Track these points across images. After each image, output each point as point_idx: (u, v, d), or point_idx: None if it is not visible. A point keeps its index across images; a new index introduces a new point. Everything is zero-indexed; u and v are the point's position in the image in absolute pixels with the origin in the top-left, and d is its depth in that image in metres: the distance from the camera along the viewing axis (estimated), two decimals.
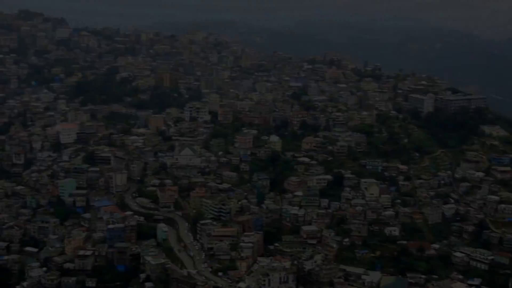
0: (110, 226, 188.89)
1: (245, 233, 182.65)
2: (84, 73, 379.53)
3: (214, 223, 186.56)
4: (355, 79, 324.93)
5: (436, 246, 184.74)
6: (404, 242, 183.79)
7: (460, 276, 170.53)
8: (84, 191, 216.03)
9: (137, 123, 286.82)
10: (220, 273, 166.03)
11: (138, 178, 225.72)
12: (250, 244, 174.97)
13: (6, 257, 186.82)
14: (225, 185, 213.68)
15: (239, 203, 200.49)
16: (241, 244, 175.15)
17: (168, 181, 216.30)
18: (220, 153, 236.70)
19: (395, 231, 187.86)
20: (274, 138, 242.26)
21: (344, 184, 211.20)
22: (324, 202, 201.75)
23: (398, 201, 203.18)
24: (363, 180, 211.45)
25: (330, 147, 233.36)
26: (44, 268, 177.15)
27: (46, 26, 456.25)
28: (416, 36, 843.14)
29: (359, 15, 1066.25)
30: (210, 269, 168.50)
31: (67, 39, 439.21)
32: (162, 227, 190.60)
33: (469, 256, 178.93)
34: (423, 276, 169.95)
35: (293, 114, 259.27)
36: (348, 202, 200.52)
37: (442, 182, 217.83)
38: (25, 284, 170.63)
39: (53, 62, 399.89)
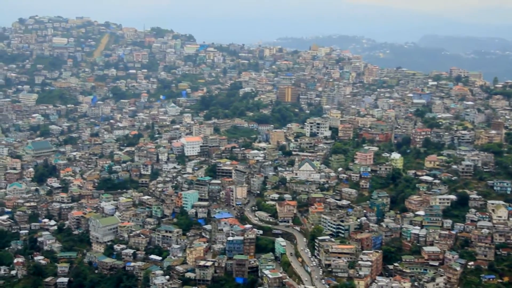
0: (230, 238, 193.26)
1: (364, 251, 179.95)
2: (209, 88, 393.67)
3: (333, 239, 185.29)
4: (483, 96, 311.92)
5: None
6: None
7: None
8: (205, 203, 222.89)
9: (258, 138, 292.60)
10: None
11: (258, 192, 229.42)
12: (369, 263, 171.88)
13: (132, 264, 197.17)
14: (344, 202, 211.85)
15: (358, 220, 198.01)
16: (360, 262, 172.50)
17: (287, 196, 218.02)
18: (339, 169, 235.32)
19: None
20: (395, 155, 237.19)
21: (469, 205, 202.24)
22: (447, 222, 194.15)
23: None
24: (490, 201, 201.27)
25: (454, 166, 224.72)
26: (167, 276, 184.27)
27: (175, 43, 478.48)
28: None
29: (488, 30, 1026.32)
30: (327, 286, 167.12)
31: (194, 55, 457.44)
32: (280, 241, 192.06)
33: None
34: None
35: (416, 131, 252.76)
36: (473, 224, 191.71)
37: None
38: None
39: (180, 77, 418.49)
